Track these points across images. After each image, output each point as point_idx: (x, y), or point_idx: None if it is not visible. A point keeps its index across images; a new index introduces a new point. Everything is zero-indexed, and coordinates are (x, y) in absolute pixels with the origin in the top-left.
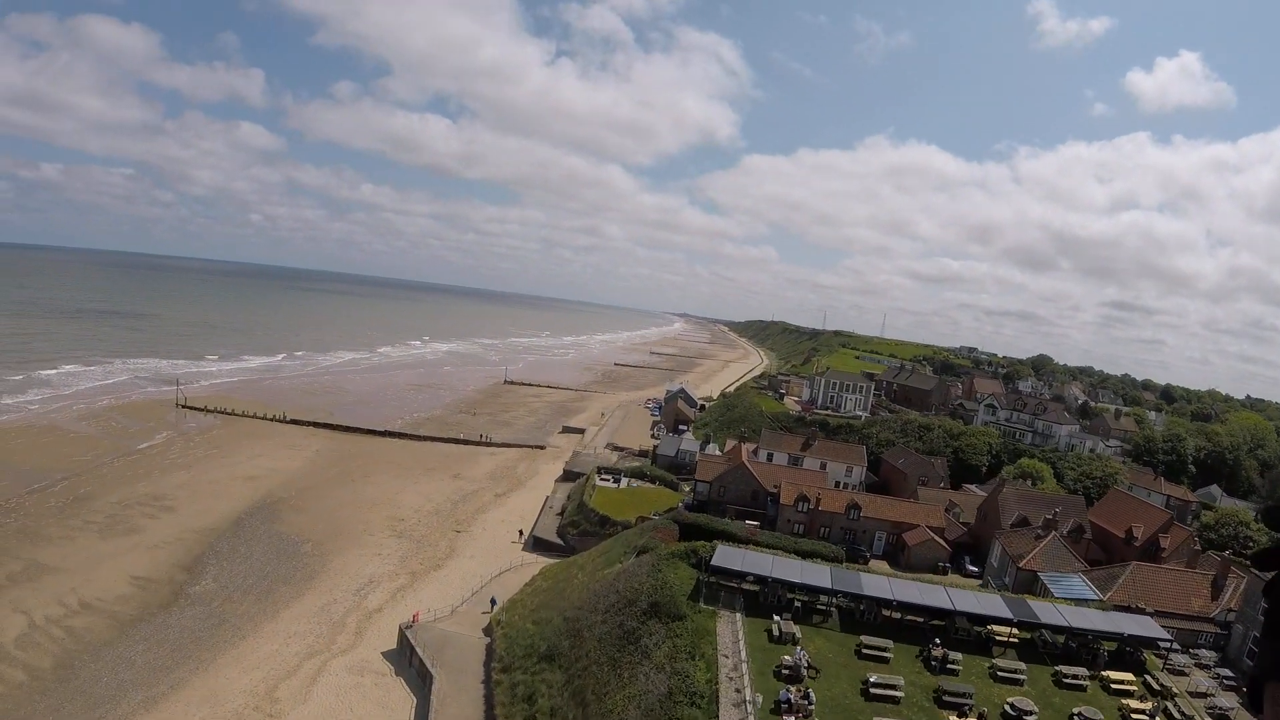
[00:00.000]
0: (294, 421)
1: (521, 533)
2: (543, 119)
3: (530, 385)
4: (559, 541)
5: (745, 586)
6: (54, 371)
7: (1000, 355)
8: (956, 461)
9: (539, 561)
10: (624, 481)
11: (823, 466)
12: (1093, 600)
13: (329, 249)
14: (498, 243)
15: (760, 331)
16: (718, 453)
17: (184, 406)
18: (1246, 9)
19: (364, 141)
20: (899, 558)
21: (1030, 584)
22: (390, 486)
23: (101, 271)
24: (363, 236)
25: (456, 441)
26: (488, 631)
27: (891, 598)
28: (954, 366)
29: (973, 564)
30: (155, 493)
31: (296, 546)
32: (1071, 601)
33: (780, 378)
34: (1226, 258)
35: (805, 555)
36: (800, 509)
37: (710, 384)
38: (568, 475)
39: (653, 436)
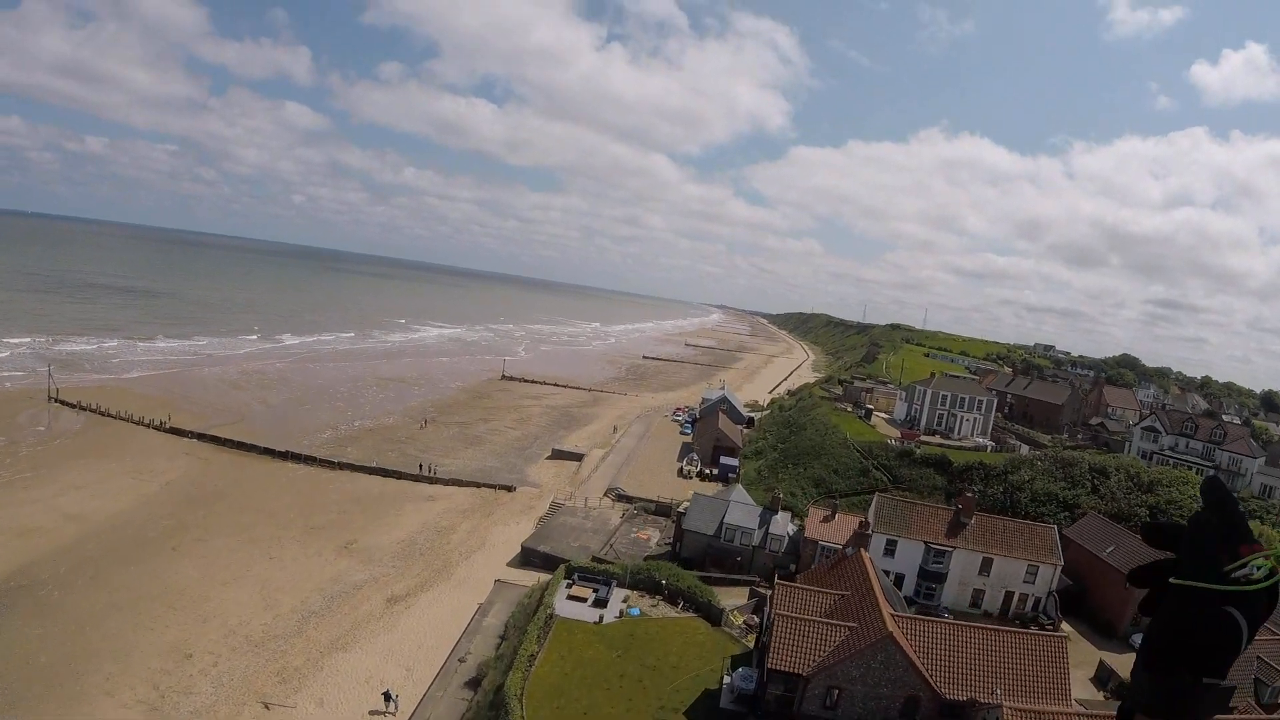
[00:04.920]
0: (174, 430)
1: (391, 702)
2: (590, 105)
3: (532, 382)
4: None
5: None
6: None
7: (1075, 354)
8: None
9: None
10: (613, 602)
11: (984, 567)
12: None
13: (371, 232)
14: (539, 230)
15: (801, 324)
16: (789, 529)
17: (56, 400)
18: None
19: (410, 124)
20: None
21: None
22: (226, 564)
23: (135, 245)
24: (405, 221)
25: (383, 473)
26: None
27: None
28: (1038, 368)
29: None
30: None
31: None
32: None
33: (857, 384)
34: (1279, 255)
35: None
36: None
37: (755, 384)
38: (526, 557)
39: (681, 473)
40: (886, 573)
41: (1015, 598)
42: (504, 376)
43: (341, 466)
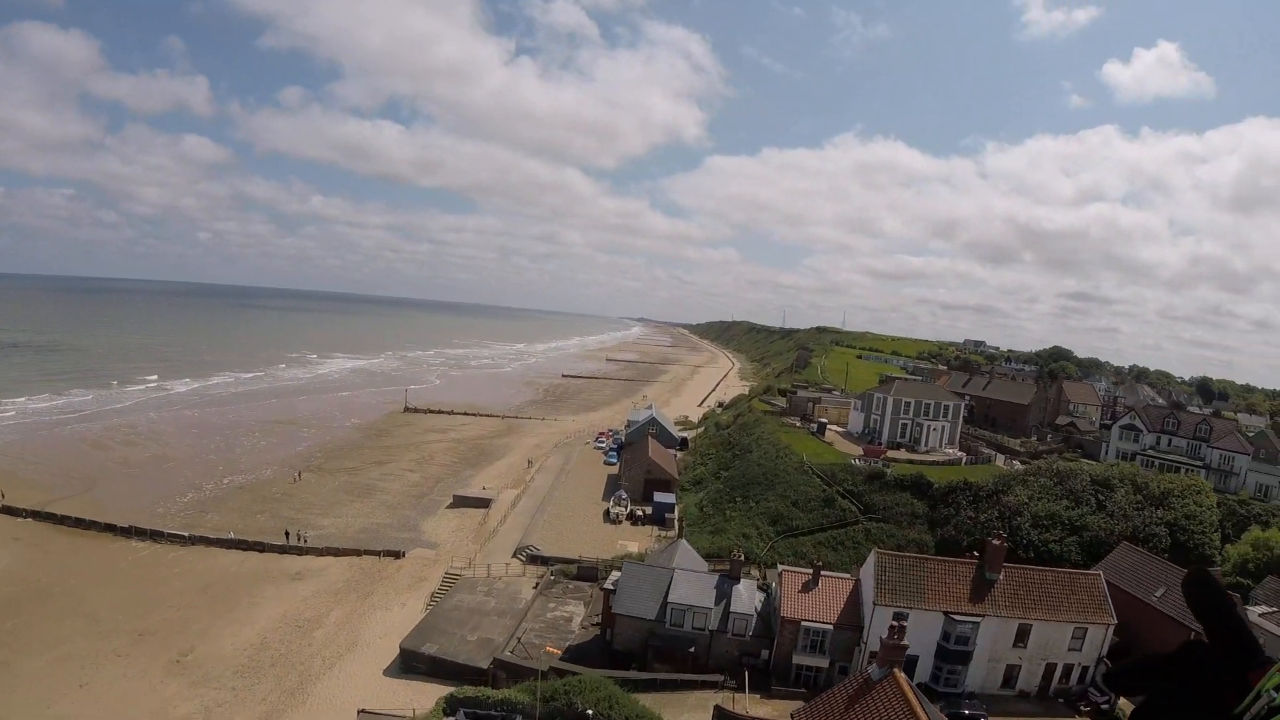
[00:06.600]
0: (7, 510)
1: None
2: (502, 121)
3: (439, 413)
4: None
5: None
6: None
7: (1004, 349)
8: (1173, 547)
9: None
10: None
11: (1020, 636)
12: None
13: (281, 265)
14: (454, 253)
15: (723, 333)
16: (756, 604)
17: None
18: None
19: (315, 151)
20: None
21: None
22: (23, 699)
23: (31, 297)
24: (316, 251)
25: (243, 546)
26: None
27: None
28: (973, 366)
29: None
30: None
31: None
32: None
33: (801, 395)
34: (1189, 246)
35: None
36: None
37: (682, 397)
38: (408, 662)
39: (608, 516)
40: None
41: (1058, 670)
42: (406, 409)
43: (193, 541)
